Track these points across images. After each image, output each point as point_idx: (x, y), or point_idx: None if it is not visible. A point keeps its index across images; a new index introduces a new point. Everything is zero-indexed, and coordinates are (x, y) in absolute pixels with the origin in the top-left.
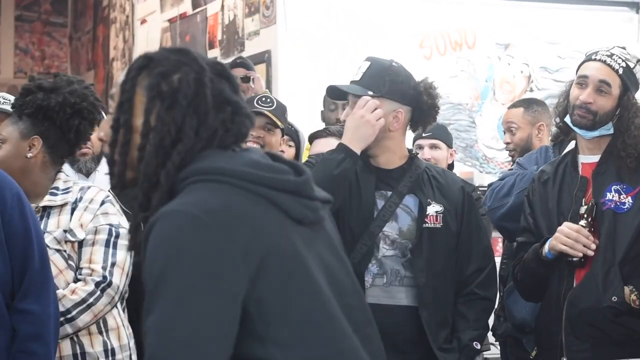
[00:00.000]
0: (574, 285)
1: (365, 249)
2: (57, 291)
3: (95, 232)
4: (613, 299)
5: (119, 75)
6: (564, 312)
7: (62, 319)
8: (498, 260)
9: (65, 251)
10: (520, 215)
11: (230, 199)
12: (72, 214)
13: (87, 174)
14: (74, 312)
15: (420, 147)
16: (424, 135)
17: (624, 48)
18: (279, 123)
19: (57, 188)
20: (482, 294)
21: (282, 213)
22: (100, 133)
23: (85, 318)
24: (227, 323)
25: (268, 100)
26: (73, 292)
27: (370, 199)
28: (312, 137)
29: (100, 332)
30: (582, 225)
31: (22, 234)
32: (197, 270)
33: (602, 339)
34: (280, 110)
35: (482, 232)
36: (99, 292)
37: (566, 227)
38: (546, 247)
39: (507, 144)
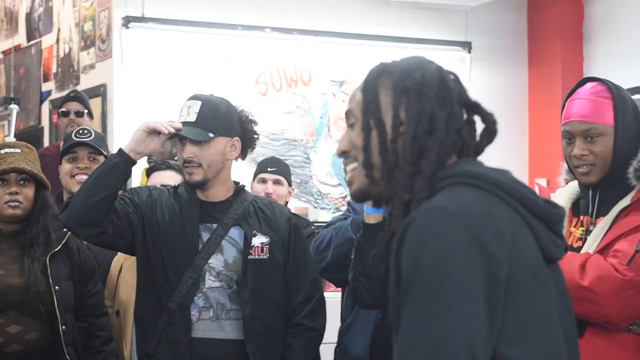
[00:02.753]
0: None
1: (190, 281)
2: None
3: None
4: None
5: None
6: None
7: None
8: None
9: None
10: (343, 267)
11: (495, 208)
12: None
13: None
14: None
15: (264, 181)
16: (269, 169)
17: None
18: (102, 150)
19: None
20: (309, 325)
21: (535, 240)
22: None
23: None
24: (488, 326)
25: (86, 131)
26: None
27: (194, 232)
28: (151, 170)
29: None
30: None
31: None
32: (464, 274)
33: None
34: (100, 139)
35: (309, 263)
36: None
37: None
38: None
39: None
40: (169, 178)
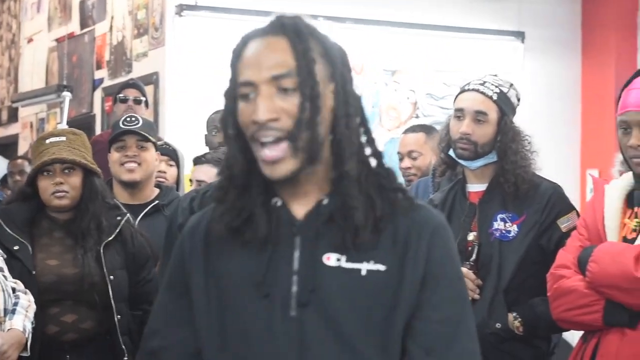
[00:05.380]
0: None
1: None
2: (22, 301)
3: None
4: (497, 325)
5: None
6: None
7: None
8: None
9: None
10: None
11: None
12: None
13: None
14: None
15: None
16: None
17: (495, 75)
18: (150, 138)
19: None
20: None
21: None
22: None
23: None
24: None
25: (134, 119)
26: (30, 301)
27: None
28: (194, 162)
29: None
30: (467, 268)
31: None
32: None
33: None
34: (148, 126)
35: None
36: None
37: None
38: None
39: (408, 168)
40: (205, 173)
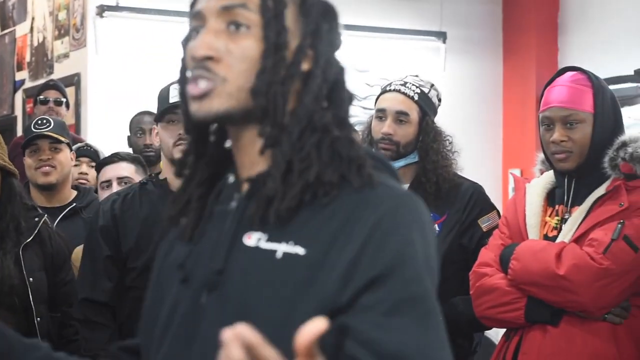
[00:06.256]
0: None
1: None
2: None
3: None
4: None
5: None
6: None
7: None
8: None
9: None
10: None
11: None
12: None
13: None
14: None
15: None
16: None
17: (416, 76)
18: (62, 139)
19: None
20: None
21: None
22: None
23: None
24: None
25: (45, 121)
26: None
27: None
28: (101, 165)
29: None
30: None
31: None
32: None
33: None
34: (59, 127)
35: None
36: None
37: None
38: None
39: None
40: (123, 169)
